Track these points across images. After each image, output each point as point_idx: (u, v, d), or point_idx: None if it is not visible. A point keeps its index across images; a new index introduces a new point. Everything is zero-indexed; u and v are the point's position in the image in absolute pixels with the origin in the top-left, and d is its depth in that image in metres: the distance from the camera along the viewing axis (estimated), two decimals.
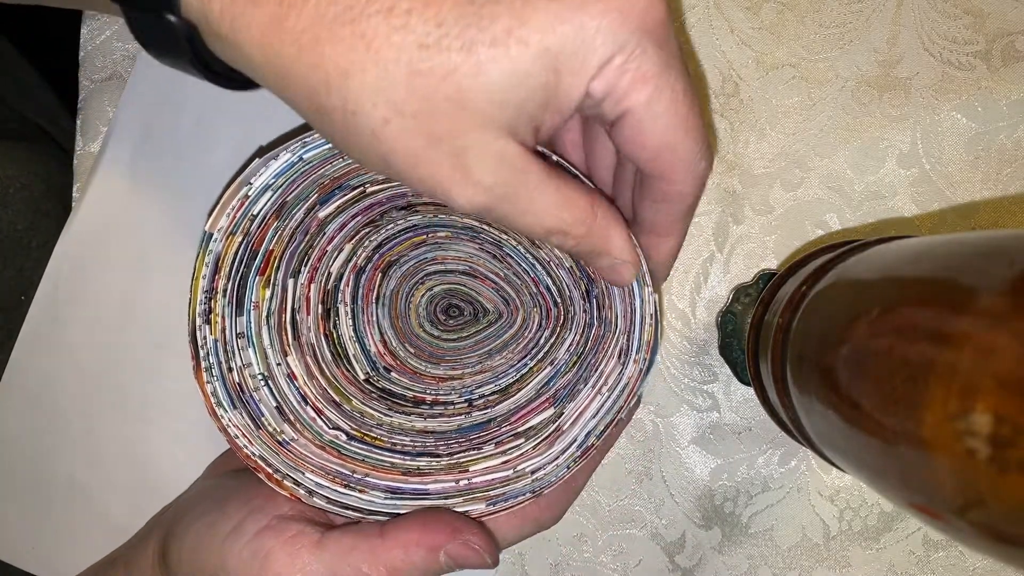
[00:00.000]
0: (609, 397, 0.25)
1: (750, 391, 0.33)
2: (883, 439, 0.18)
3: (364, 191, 0.26)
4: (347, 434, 0.27)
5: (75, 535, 0.34)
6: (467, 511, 0.25)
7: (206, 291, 0.24)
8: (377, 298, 0.31)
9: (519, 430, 0.27)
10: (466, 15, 0.17)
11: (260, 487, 0.25)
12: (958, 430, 0.15)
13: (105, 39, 0.34)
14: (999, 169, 0.32)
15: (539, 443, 0.26)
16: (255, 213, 0.24)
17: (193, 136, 0.33)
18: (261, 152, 0.24)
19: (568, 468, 0.25)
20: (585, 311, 0.28)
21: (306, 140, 0.23)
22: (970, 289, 0.16)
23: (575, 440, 0.25)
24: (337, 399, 0.28)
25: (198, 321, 0.24)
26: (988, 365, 0.15)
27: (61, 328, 0.34)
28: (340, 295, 0.30)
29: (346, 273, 0.29)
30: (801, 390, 0.23)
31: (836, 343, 0.21)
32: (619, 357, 0.25)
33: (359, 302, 0.30)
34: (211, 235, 0.23)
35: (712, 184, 0.33)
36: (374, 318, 0.31)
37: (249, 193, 0.23)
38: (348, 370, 0.29)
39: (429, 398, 0.30)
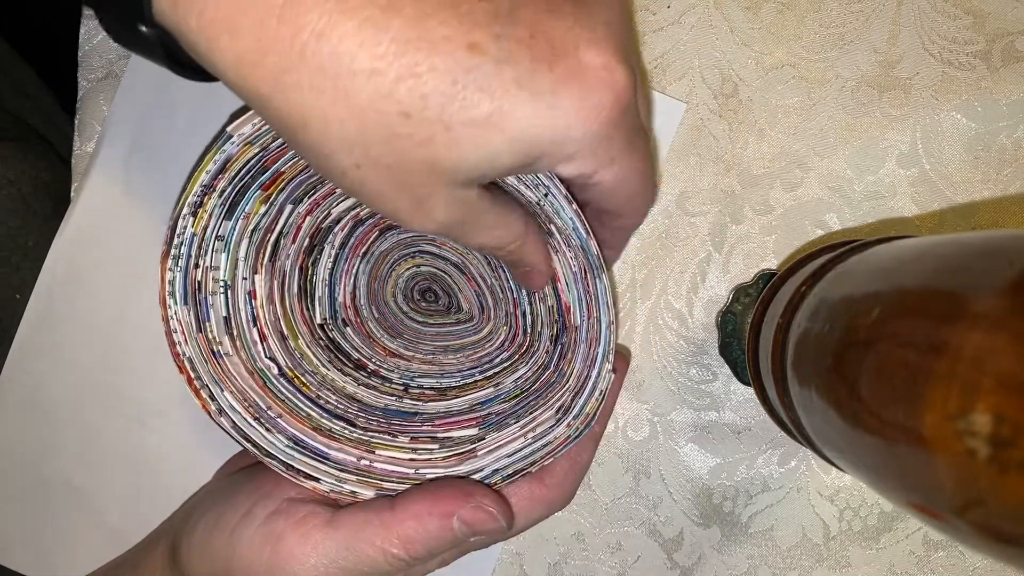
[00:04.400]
0: (530, 445, 0.25)
1: (750, 391, 0.33)
2: (883, 439, 0.18)
3: None
4: (279, 368, 0.26)
5: (72, 539, 0.34)
6: (356, 492, 0.25)
7: (204, 185, 0.23)
8: (365, 252, 0.31)
9: (438, 435, 0.27)
10: (449, 94, 0.17)
11: (268, 476, 0.25)
12: (958, 430, 0.15)
13: (102, 38, 0.34)
14: (999, 169, 0.32)
15: (450, 456, 0.26)
16: None
17: (188, 134, 0.33)
18: None
19: None
20: (547, 352, 0.28)
21: None
22: (970, 289, 0.16)
23: (481, 470, 0.25)
24: (285, 332, 0.28)
25: (184, 211, 0.24)
26: (988, 365, 0.15)
27: (56, 331, 0.34)
28: (331, 236, 0.29)
29: (346, 219, 0.29)
30: (801, 390, 0.23)
31: (836, 343, 0.21)
32: (557, 412, 0.25)
33: (346, 250, 0.30)
34: (230, 136, 0.23)
35: (709, 185, 0.33)
36: (354, 270, 0.31)
37: None
38: (308, 309, 0.29)
39: (371, 367, 0.30)
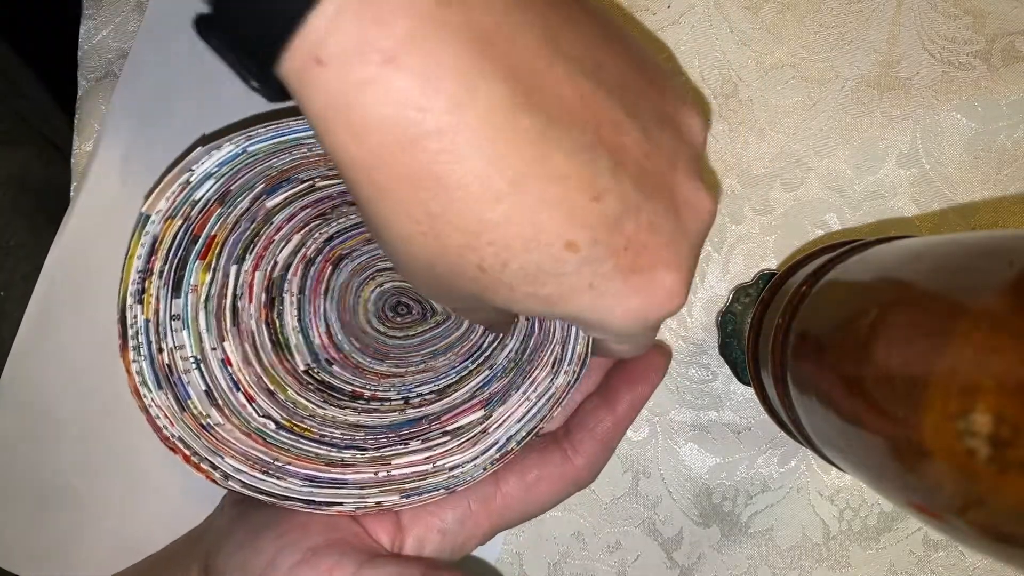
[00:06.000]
0: (535, 404, 0.25)
1: (750, 391, 0.33)
2: (883, 439, 0.18)
3: (313, 185, 0.26)
4: (276, 423, 0.26)
5: (72, 541, 0.34)
6: (381, 502, 0.25)
7: (140, 271, 0.23)
8: (326, 290, 0.31)
9: (448, 428, 0.27)
10: (528, 276, 0.18)
11: (290, 518, 0.24)
12: (958, 430, 0.15)
13: (101, 38, 0.34)
14: (999, 169, 0.32)
15: (463, 442, 0.26)
16: (196, 199, 0.23)
17: (186, 134, 0.33)
18: (204, 141, 0.23)
19: (485, 469, 0.25)
20: (527, 319, 0.28)
21: (251, 133, 0.22)
22: (970, 289, 0.16)
23: (496, 443, 0.25)
24: (272, 388, 0.27)
25: (129, 300, 0.23)
26: (988, 365, 0.15)
27: (56, 332, 0.34)
28: (287, 284, 0.29)
29: (294, 263, 0.29)
30: (801, 390, 0.23)
31: (836, 343, 0.21)
32: (552, 366, 0.25)
33: (307, 293, 0.30)
34: (148, 217, 0.23)
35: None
36: (321, 310, 0.31)
37: (190, 179, 0.23)
38: (288, 360, 0.29)
39: (367, 393, 0.30)
